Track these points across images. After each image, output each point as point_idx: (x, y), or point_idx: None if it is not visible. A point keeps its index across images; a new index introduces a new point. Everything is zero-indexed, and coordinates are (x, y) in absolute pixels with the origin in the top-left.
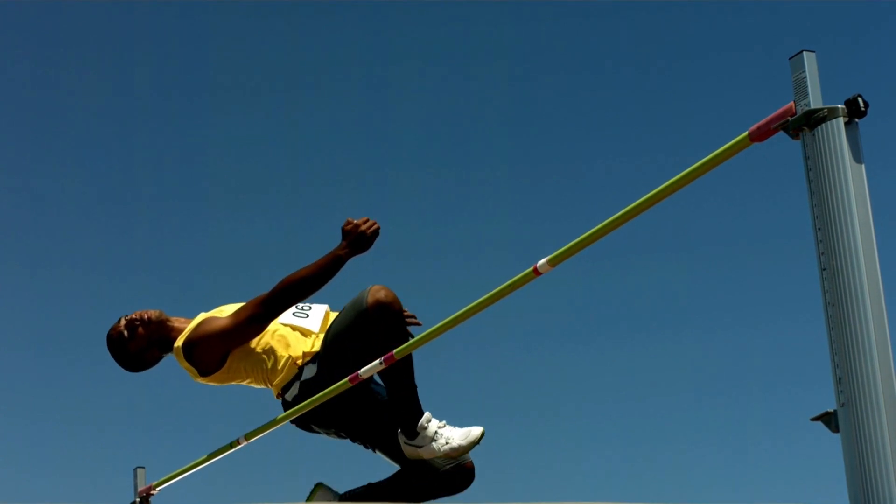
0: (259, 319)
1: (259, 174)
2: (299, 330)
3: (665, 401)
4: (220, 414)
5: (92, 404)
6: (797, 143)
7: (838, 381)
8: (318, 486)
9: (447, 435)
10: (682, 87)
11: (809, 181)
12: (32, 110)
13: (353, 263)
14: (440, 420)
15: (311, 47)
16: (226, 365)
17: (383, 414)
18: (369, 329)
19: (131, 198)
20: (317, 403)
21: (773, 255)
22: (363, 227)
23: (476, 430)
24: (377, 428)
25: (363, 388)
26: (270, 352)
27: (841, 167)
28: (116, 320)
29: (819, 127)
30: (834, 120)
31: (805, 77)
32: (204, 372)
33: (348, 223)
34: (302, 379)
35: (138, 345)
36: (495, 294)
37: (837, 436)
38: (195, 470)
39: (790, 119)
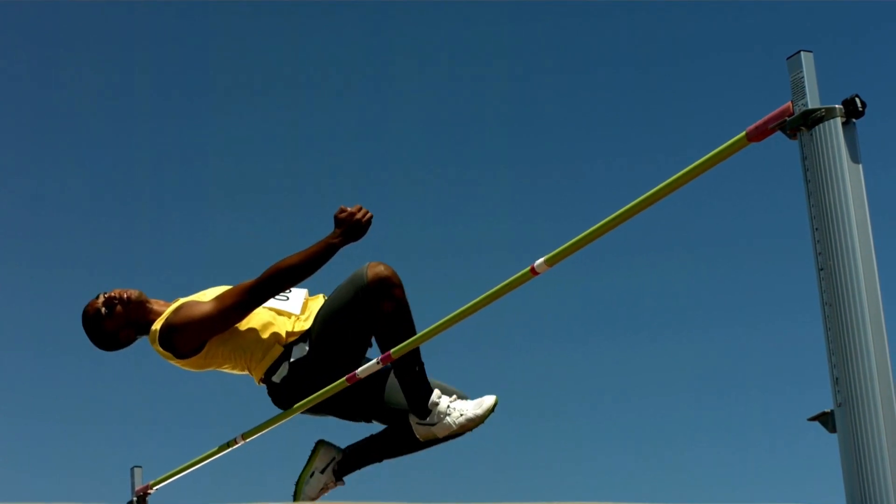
0: (245, 306)
1: (259, 174)
2: (280, 312)
3: (662, 401)
4: (218, 413)
5: (89, 403)
6: (795, 144)
7: (835, 381)
8: (320, 443)
9: (460, 408)
10: (680, 87)
11: (807, 181)
12: (33, 110)
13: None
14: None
15: (311, 47)
16: (204, 350)
17: (375, 386)
18: (370, 304)
19: (131, 198)
20: (317, 401)
21: (771, 254)
22: (358, 216)
23: (489, 399)
24: (373, 402)
25: (347, 372)
26: (252, 335)
27: (838, 167)
28: (94, 296)
29: (816, 127)
30: (831, 120)
31: (803, 77)
32: (180, 356)
33: (342, 211)
34: (291, 360)
35: (115, 324)
36: (492, 294)
37: (835, 436)
38: (192, 469)
39: (788, 119)
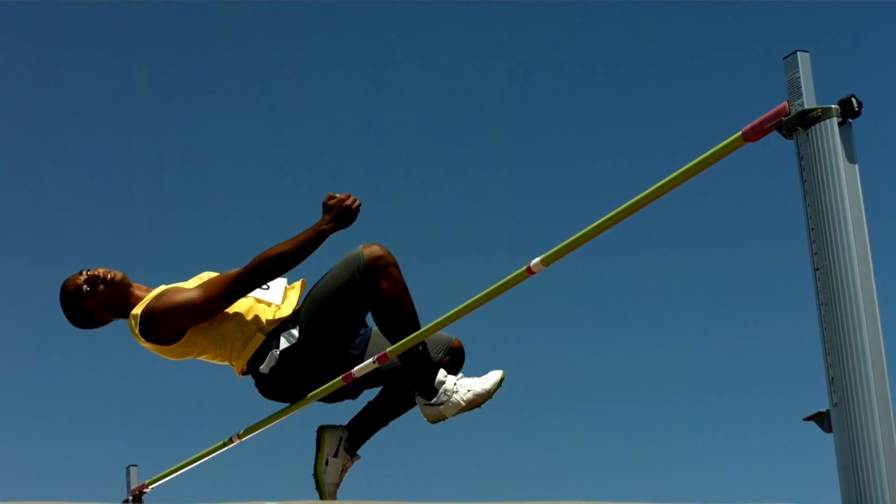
0: (231, 295)
1: (259, 174)
2: (260, 302)
3: (657, 400)
4: (213, 412)
5: (85, 402)
6: (791, 143)
7: (831, 381)
8: (322, 429)
9: (467, 384)
10: (676, 86)
11: (803, 181)
12: (33, 110)
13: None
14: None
15: (311, 47)
16: (184, 338)
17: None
18: (367, 285)
19: (131, 198)
20: (313, 400)
21: (767, 254)
22: (347, 202)
23: (495, 374)
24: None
25: (339, 357)
26: (232, 325)
27: (834, 167)
28: (77, 272)
29: (813, 127)
30: (827, 120)
31: (799, 77)
32: (159, 343)
33: (331, 197)
34: (280, 348)
35: (94, 304)
36: (488, 293)
37: (830, 436)
38: (188, 468)
39: (784, 119)
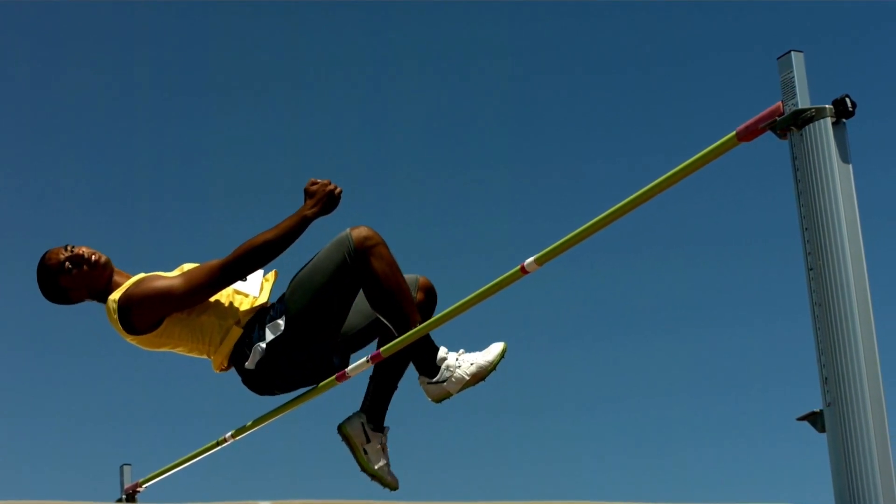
0: (215, 285)
1: (259, 174)
2: (238, 293)
3: (651, 401)
4: (207, 411)
5: (79, 401)
6: (785, 143)
7: (824, 381)
8: (342, 427)
9: (469, 359)
10: (670, 86)
11: (797, 181)
12: (33, 110)
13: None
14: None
15: (311, 47)
16: (160, 328)
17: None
18: (359, 267)
19: (131, 197)
20: (310, 398)
21: (760, 254)
22: (330, 187)
23: (497, 345)
24: (349, 341)
25: (329, 343)
26: (210, 317)
27: (828, 167)
28: (62, 246)
29: (807, 127)
30: (821, 120)
31: (793, 77)
32: (135, 331)
33: (313, 183)
34: (267, 340)
35: (72, 282)
36: (482, 293)
37: (823, 435)
38: (182, 467)
39: (778, 119)
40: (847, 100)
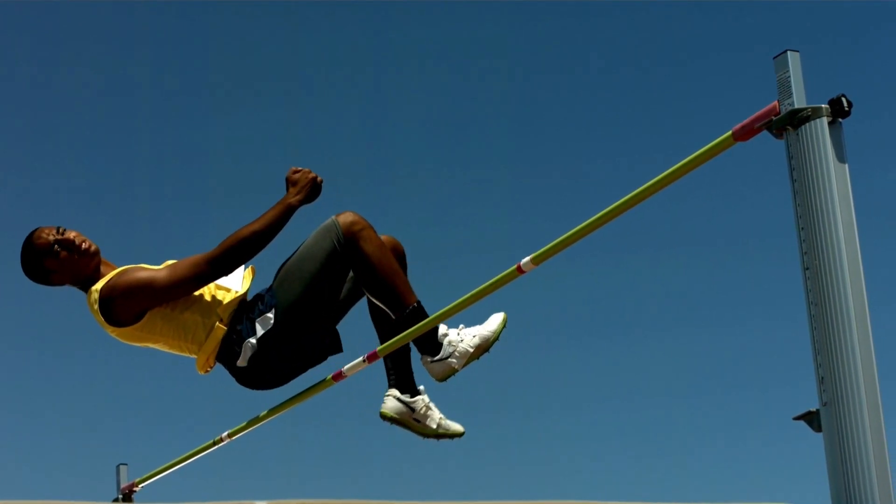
0: (202, 279)
1: (259, 174)
2: (222, 289)
3: (647, 400)
4: (203, 411)
5: (75, 401)
6: (781, 143)
7: (821, 380)
8: (385, 416)
9: (470, 332)
10: (667, 86)
11: (793, 181)
12: (33, 110)
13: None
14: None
15: (311, 47)
16: (142, 321)
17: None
18: (349, 252)
19: (131, 198)
20: (307, 398)
21: (757, 254)
22: (312, 175)
23: (497, 315)
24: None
25: (320, 333)
26: (194, 314)
27: (824, 167)
28: (55, 227)
29: (803, 126)
30: (818, 120)
31: (789, 76)
32: (114, 322)
33: (296, 171)
34: (258, 335)
35: (57, 265)
36: (478, 292)
37: (820, 435)
38: (178, 467)
39: (774, 118)
40: (843, 99)
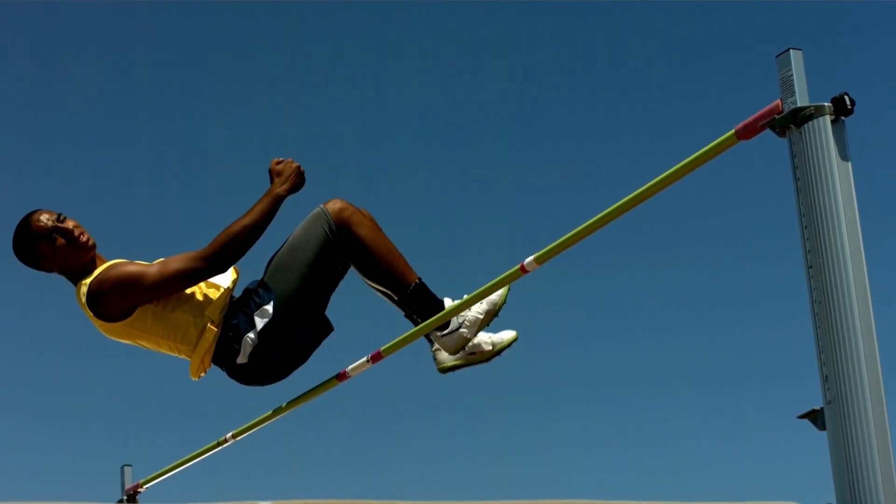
0: (196, 276)
1: (259, 174)
2: (212, 286)
3: (651, 399)
4: (207, 412)
5: (80, 402)
6: (784, 141)
7: (825, 378)
8: (442, 368)
9: (475, 307)
10: (670, 85)
11: (796, 179)
12: (33, 110)
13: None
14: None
15: (312, 46)
16: (131, 317)
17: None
18: (342, 238)
19: (131, 197)
20: (310, 399)
21: (760, 252)
22: (296, 164)
23: (500, 290)
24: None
25: (316, 324)
26: (188, 314)
27: (827, 165)
28: (56, 213)
29: (806, 125)
30: (820, 118)
31: (792, 75)
32: (103, 317)
33: (279, 162)
34: (258, 329)
35: (50, 252)
36: (481, 292)
37: (824, 433)
38: (182, 468)
39: (777, 117)
40: (846, 98)
